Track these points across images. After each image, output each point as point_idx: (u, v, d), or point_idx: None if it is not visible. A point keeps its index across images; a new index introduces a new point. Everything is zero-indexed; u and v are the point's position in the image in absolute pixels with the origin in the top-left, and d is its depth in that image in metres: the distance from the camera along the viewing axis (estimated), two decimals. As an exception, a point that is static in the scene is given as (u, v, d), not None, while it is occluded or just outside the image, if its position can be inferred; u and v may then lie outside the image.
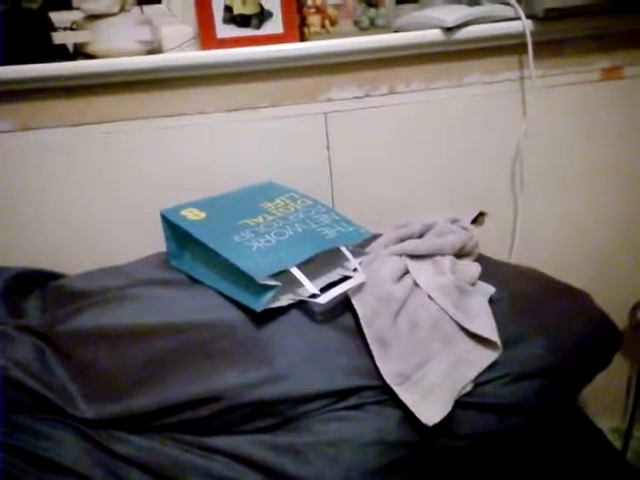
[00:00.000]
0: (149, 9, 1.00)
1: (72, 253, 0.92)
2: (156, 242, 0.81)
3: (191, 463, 0.63)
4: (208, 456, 0.63)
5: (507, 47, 0.96)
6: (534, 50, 0.93)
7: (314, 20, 0.96)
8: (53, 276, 0.85)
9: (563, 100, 1.01)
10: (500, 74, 0.98)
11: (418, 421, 0.62)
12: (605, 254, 1.11)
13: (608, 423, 1.16)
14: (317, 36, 0.95)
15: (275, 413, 0.64)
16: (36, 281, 0.83)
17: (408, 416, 0.63)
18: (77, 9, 0.88)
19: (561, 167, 1.05)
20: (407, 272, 0.75)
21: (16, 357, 0.66)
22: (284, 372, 0.65)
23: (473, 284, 0.76)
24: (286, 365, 0.65)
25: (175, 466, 0.62)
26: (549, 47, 0.97)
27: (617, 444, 1.09)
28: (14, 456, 0.61)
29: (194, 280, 0.76)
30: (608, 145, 1.05)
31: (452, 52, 0.95)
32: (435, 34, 0.91)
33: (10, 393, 0.64)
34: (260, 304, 0.66)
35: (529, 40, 0.92)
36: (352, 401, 0.65)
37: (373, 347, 0.66)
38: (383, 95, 0.96)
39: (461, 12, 0.90)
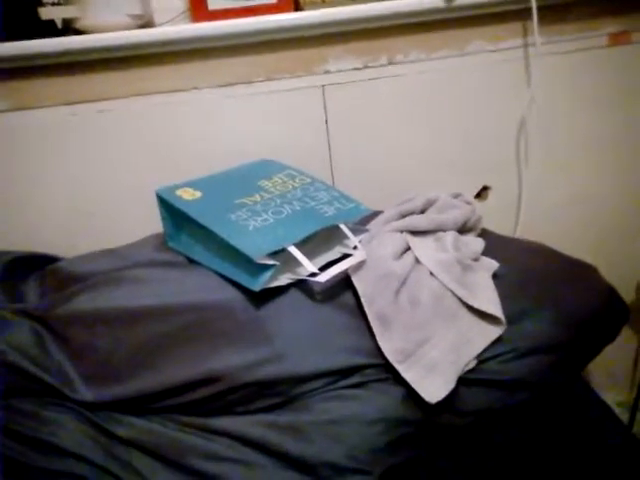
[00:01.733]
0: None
1: (70, 234, 0.92)
2: (154, 222, 0.80)
3: (192, 444, 0.63)
4: (209, 437, 0.63)
5: (510, 13, 0.92)
6: (538, 16, 0.89)
7: (309, -12, 0.92)
8: (50, 260, 0.84)
9: (569, 67, 0.98)
10: (503, 42, 0.95)
11: (421, 398, 0.61)
12: (611, 226, 1.09)
13: (614, 397, 1.15)
14: (313, 5, 0.91)
15: (276, 393, 0.64)
16: (33, 265, 0.82)
17: (411, 394, 0.63)
18: (64, -18, 0.85)
19: (567, 137, 1.02)
20: (408, 249, 0.74)
21: (14, 342, 0.66)
22: (284, 352, 0.64)
23: (476, 259, 0.75)
24: (286, 345, 0.65)
25: (176, 447, 0.62)
26: (554, 12, 0.93)
27: (624, 418, 1.08)
28: (15, 440, 0.61)
29: (192, 261, 0.75)
30: (615, 113, 1.02)
31: (453, 19, 0.91)
32: (435, 1, 0.87)
33: (9, 378, 0.64)
34: (258, 284, 0.65)
35: (534, 4, 0.89)
36: (354, 379, 0.65)
37: (374, 325, 0.65)
38: (383, 66, 0.93)
39: (462, -24, 0.86)
